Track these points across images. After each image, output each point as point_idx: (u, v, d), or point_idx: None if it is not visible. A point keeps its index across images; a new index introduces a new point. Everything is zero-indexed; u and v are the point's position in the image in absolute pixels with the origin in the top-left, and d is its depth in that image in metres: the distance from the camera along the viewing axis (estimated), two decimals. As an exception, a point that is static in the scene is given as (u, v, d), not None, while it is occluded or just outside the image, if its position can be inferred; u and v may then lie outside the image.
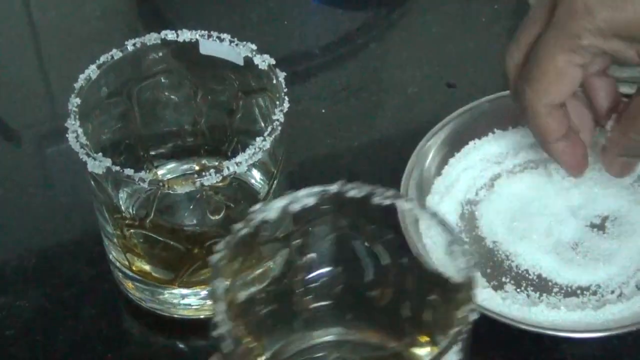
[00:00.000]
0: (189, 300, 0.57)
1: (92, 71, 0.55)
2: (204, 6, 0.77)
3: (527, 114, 0.55)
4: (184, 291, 0.56)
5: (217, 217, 0.56)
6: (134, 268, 0.56)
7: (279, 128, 0.52)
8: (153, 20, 0.77)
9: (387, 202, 0.42)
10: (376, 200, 0.42)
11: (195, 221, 0.56)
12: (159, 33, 0.57)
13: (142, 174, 0.51)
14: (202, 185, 0.51)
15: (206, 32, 0.57)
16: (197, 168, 0.62)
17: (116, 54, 0.56)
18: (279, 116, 0.53)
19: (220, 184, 0.52)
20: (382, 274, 0.45)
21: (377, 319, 0.46)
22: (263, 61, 0.55)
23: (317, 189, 0.42)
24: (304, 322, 0.46)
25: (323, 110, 0.69)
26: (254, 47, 0.56)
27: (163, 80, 0.59)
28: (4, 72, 0.75)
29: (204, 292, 0.56)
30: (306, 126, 0.69)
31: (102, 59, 0.56)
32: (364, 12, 0.79)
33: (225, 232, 0.54)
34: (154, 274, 0.56)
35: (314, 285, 0.45)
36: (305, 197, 0.42)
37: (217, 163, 0.61)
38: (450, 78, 0.71)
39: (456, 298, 0.41)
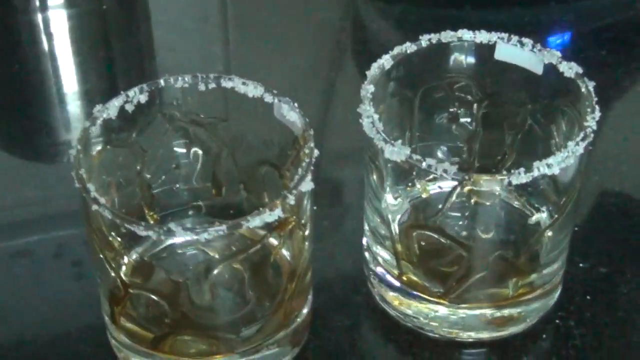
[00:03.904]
0: (455, 319, 0.52)
1: (385, 60, 0.52)
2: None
3: None
4: (453, 309, 0.52)
5: (487, 236, 0.52)
6: (404, 278, 0.52)
7: (592, 135, 0.48)
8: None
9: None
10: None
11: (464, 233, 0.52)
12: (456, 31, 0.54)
13: (445, 165, 0.47)
14: (509, 184, 0.47)
15: (506, 34, 0.53)
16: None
17: (410, 47, 0.53)
18: (591, 123, 0.48)
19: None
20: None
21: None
22: (570, 68, 0.51)
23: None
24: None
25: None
26: (558, 54, 0.52)
27: (448, 85, 0.55)
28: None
29: (474, 312, 0.52)
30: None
31: (396, 50, 0.53)
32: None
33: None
34: (424, 283, 0.51)
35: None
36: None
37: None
38: None
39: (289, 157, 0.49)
